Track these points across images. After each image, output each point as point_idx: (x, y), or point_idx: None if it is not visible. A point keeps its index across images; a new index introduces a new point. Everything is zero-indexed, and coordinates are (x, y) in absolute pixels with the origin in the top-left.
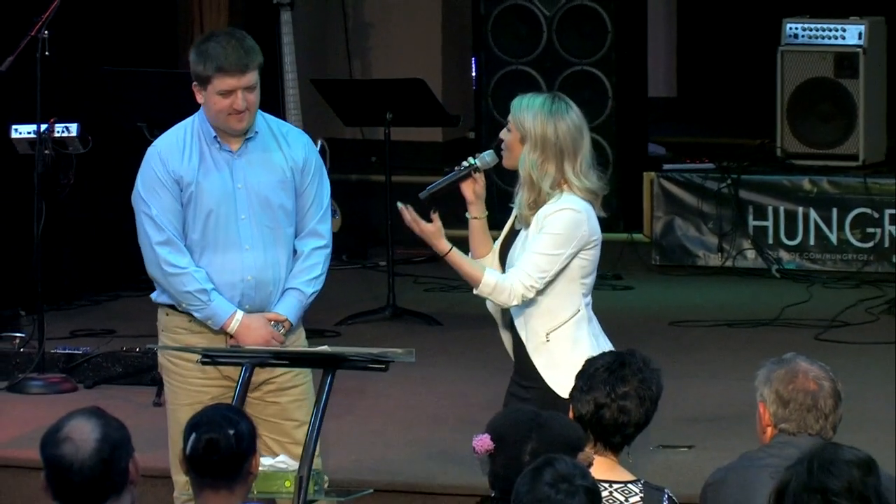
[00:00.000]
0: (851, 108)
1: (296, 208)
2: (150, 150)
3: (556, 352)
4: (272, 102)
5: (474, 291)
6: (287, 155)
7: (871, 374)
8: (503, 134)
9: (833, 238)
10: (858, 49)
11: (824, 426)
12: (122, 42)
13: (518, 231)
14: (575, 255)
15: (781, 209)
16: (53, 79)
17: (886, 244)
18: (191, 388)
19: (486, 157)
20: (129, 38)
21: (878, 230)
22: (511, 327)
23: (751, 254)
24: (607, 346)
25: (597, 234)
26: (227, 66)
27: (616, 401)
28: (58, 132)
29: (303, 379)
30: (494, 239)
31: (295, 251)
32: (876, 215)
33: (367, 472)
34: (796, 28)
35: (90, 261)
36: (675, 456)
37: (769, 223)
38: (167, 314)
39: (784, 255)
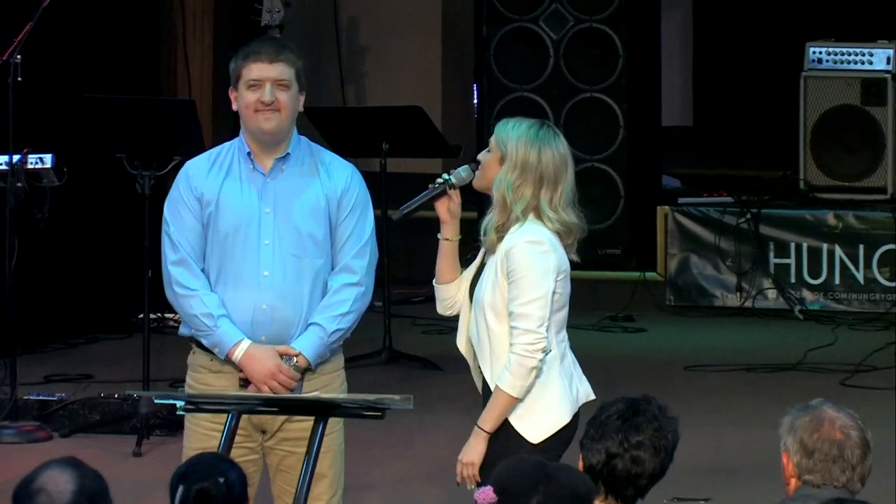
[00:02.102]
0: (879, 138)
1: (331, 241)
2: (183, 166)
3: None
4: None
5: (514, 396)
6: (325, 183)
7: None
8: (481, 155)
9: (860, 277)
10: (887, 75)
11: (851, 478)
12: (101, 67)
13: (484, 263)
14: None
15: (804, 246)
16: (27, 106)
17: None
18: (201, 432)
19: (462, 173)
20: (108, 63)
21: None
22: (479, 371)
23: (772, 293)
24: (582, 387)
25: (566, 265)
26: (257, 51)
27: (629, 450)
28: (31, 163)
29: (330, 428)
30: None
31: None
32: None
33: None
34: (820, 52)
35: (66, 301)
36: None
37: (791, 261)
38: (193, 352)
39: (807, 294)
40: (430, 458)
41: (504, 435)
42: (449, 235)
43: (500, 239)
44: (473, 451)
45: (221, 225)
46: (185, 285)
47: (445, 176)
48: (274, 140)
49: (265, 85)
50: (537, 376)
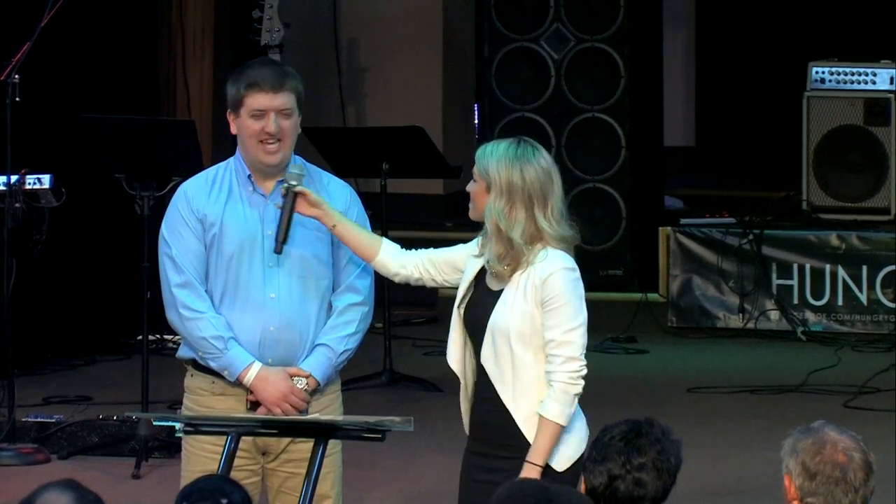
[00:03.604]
0: (883, 158)
1: (333, 261)
2: (179, 188)
3: None
4: None
5: (562, 424)
6: None
7: None
8: (469, 186)
9: (863, 298)
10: (890, 94)
11: (854, 501)
12: (100, 87)
13: (484, 286)
14: None
15: (807, 267)
16: (25, 126)
17: None
18: (202, 455)
19: (293, 170)
20: (107, 83)
21: None
22: (483, 398)
23: (774, 315)
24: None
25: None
26: (261, 81)
27: (631, 472)
28: (29, 184)
29: (330, 449)
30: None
31: (332, 307)
32: None
33: None
34: (823, 72)
35: (65, 322)
36: None
37: (794, 282)
38: (191, 374)
39: (810, 316)
40: (430, 480)
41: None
42: (333, 221)
43: (513, 269)
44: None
45: (226, 247)
46: (192, 307)
47: (285, 185)
48: (277, 170)
49: (269, 115)
50: None
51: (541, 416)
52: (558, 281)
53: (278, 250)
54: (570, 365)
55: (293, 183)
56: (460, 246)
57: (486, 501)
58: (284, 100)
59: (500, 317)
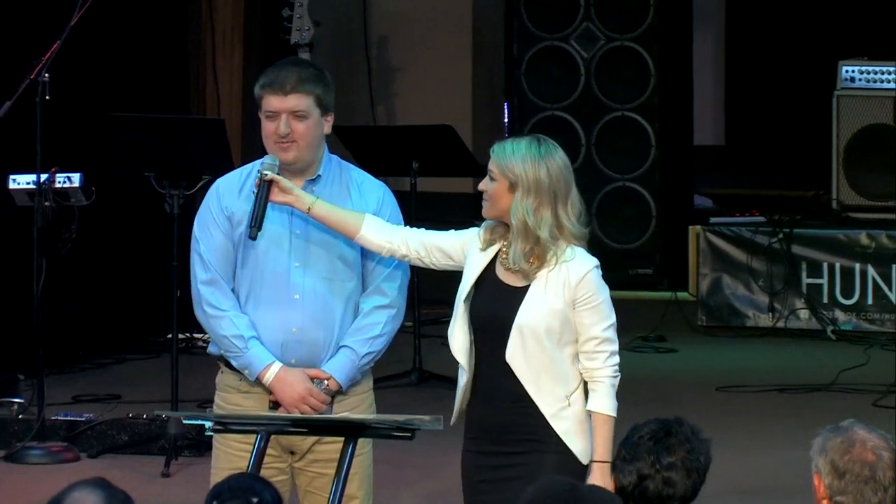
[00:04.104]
0: None
1: (362, 262)
2: (213, 184)
3: (578, 414)
4: None
5: (615, 416)
6: (357, 204)
7: None
8: (484, 184)
9: (892, 297)
10: None
11: (883, 499)
12: (130, 85)
13: (496, 281)
14: None
15: (837, 266)
16: (54, 125)
17: None
18: (230, 453)
19: (267, 160)
20: (136, 81)
21: None
22: (499, 397)
23: (804, 314)
24: None
25: None
26: (274, 82)
27: (661, 472)
28: (59, 183)
29: (358, 449)
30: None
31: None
32: None
33: None
34: (853, 71)
35: (94, 321)
36: None
37: (824, 281)
38: (221, 371)
39: (840, 315)
40: (460, 479)
41: (562, 457)
42: (307, 204)
43: (538, 266)
44: (607, 486)
45: (252, 246)
46: (216, 305)
47: (259, 175)
48: (296, 168)
49: (280, 116)
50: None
51: (595, 413)
52: (593, 280)
53: (252, 236)
54: (613, 359)
55: (266, 173)
56: (453, 233)
57: (496, 500)
58: (297, 102)
59: (530, 314)
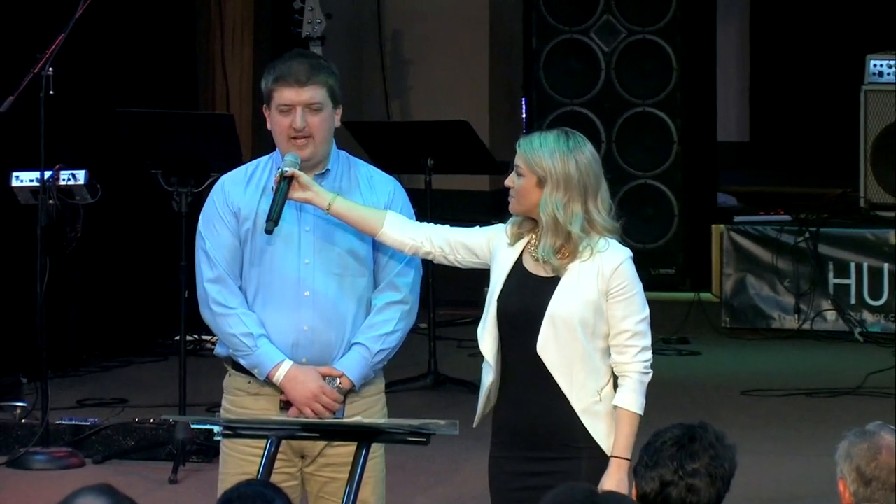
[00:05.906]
0: None
1: (374, 258)
2: (218, 181)
3: (609, 411)
4: None
5: (641, 414)
6: (367, 198)
7: None
8: (510, 180)
9: None
10: None
11: None
12: (136, 80)
13: (525, 273)
14: None
15: (865, 266)
16: (59, 121)
17: None
18: (239, 457)
19: (290, 158)
20: (143, 75)
21: None
22: (528, 395)
23: (831, 315)
24: None
25: None
26: (287, 75)
27: (684, 478)
28: (63, 180)
29: (371, 454)
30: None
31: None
32: None
33: None
34: (881, 65)
35: (99, 323)
36: None
37: (851, 281)
38: (229, 374)
39: (868, 316)
40: (476, 485)
41: (595, 462)
42: (327, 201)
43: (570, 260)
44: (623, 484)
45: (260, 243)
46: (223, 303)
47: (280, 171)
48: (309, 164)
49: (296, 109)
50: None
51: (620, 409)
52: (627, 270)
53: (269, 230)
54: (644, 354)
55: (287, 170)
56: (478, 229)
57: None
58: (312, 94)
59: (563, 305)
